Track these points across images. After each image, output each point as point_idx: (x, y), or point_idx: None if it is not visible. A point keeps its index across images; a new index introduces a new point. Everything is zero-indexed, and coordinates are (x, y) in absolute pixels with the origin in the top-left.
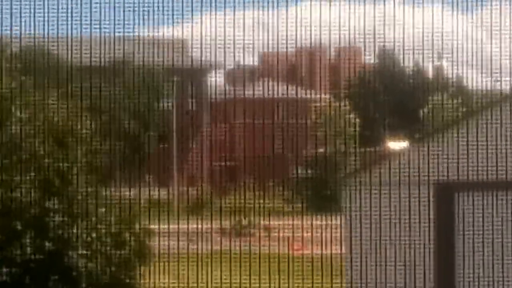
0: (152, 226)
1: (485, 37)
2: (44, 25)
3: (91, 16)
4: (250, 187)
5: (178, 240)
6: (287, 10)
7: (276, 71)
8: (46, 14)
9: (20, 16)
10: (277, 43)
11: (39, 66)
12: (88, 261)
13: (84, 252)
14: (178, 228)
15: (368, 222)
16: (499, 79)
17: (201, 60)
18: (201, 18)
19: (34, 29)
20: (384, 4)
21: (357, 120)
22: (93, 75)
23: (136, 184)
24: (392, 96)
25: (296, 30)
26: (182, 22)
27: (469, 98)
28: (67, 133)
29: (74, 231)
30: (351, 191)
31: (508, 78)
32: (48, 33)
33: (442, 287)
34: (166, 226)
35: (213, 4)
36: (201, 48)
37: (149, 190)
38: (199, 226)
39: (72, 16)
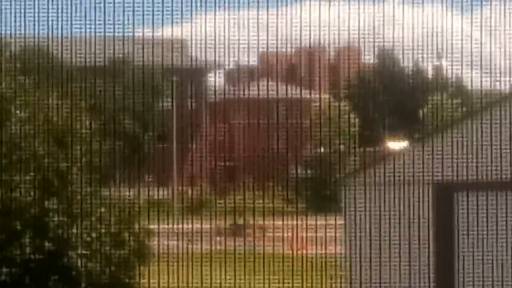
0: (151, 226)
1: (485, 37)
2: (44, 25)
3: (90, 16)
4: (249, 187)
5: (178, 240)
6: (286, 10)
7: (275, 71)
8: (46, 14)
9: (20, 16)
10: (277, 43)
11: (39, 66)
12: (87, 261)
13: (84, 252)
14: (180, 227)
15: (368, 222)
16: (498, 79)
17: (201, 60)
18: (201, 18)
19: (34, 29)
20: (384, 4)
21: (357, 120)
22: (93, 75)
23: (135, 184)
24: (391, 96)
25: (296, 30)
26: (182, 22)
27: (469, 98)
28: (67, 133)
29: (74, 231)
30: (350, 191)
31: (507, 78)
32: (47, 33)
33: (442, 287)
34: (165, 226)
35: (213, 4)
36: (201, 48)
37: (149, 190)
38: (199, 226)
39: (71, 16)
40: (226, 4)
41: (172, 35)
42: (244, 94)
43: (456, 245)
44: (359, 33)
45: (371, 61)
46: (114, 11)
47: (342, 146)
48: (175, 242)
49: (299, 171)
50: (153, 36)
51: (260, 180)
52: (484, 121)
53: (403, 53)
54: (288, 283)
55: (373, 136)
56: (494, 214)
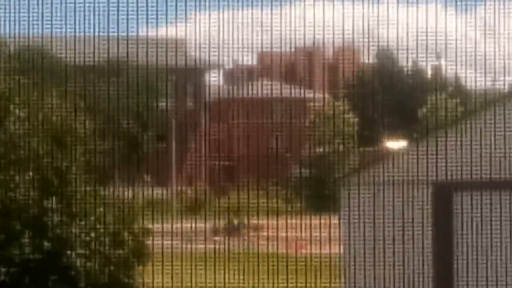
0: (150, 226)
1: (483, 36)
2: (42, 25)
3: (89, 16)
4: (248, 187)
5: (177, 240)
6: (285, 10)
7: (274, 71)
8: (44, 14)
9: (19, 16)
10: (276, 43)
11: (37, 66)
12: (86, 260)
13: (83, 251)
14: (179, 227)
15: (367, 221)
16: (496, 78)
17: (199, 60)
18: (199, 18)
19: (33, 29)
20: (383, 4)
21: (356, 120)
22: (91, 74)
23: (134, 183)
24: (390, 96)
25: (294, 30)
26: (180, 22)
27: (467, 97)
28: (66, 132)
29: (73, 230)
30: (349, 191)
31: (505, 78)
32: (46, 33)
33: (441, 286)
34: (164, 226)
35: (211, 4)
36: (199, 47)
37: (148, 190)
38: (197, 225)
39: (70, 16)
40: (224, 4)
41: (171, 35)
42: (242, 94)
43: (454, 245)
44: (357, 33)
45: (370, 61)
46: (112, 11)
47: (340, 146)
48: (174, 242)
49: (297, 170)
50: (152, 36)
51: (258, 179)
52: (482, 120)
53: (401, 53)
54: (288, 283)
55: (372, 136)
56: (492, 213)
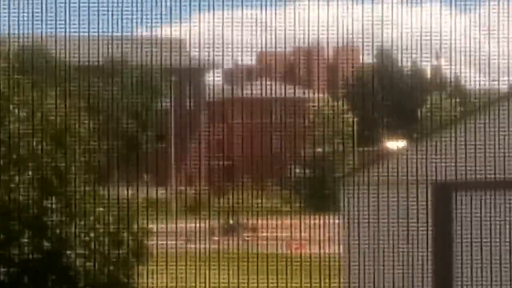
0: (150, 226)
1: (483, 36)
2: (42, 24)
3: (89, 16)
4: (248, 187)
5: (176, 240)
6: (285, 10)
7: (274, 71)
8: (44, 14)
9: (18, 16)
10: (275, 43)
11: (37, 66)
12: (86, 260)
13: (82, 251)
14: (179, 227)
15: (366, 222)
16: (497, 78)
17: (199, 60)
18: (198, 18)
19: (32, 29)
20: (382, 4)
21: (355, 119)
22: (91, 74)
23: (134, 183)
24: (390, 95)
25: (294, 30)
26: (180, 22)
27: (467, 97)
28: (66, 132)
29: (72, 230)
30: (349, 191)
31: (506, 78)
32: (46, 33)
33: (441, 286)
34: (163, 226)
35: (211, 4)
36: (199, 47)
37: (147, 190)
38: (197, 225)
39: (69, 16)
40: (224, 4)
41: (170, 35)
42: (242, 94)
43: (454, 245)
44: (357, 33)
45: (370, 61)
46: (112, 10)
47: (340, 146)
48: (174, 242)
49: (297, 170)
50: (151, 36)
51: (258, 179)
52: (482, 120)
53: (401, 53)
54: (288, 283)
55: (372, 136)
56: (492, 213)
